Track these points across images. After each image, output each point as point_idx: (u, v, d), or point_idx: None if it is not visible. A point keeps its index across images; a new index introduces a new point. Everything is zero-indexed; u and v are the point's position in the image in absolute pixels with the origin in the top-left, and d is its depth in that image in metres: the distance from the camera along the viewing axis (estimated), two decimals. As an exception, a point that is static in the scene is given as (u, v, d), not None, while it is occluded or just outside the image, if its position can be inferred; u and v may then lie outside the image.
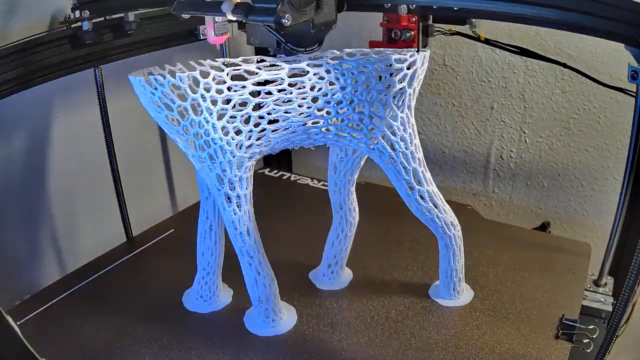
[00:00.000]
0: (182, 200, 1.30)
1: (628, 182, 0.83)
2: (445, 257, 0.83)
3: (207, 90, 0.65)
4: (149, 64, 0.73)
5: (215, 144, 0.67)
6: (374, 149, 0.74)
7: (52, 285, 0.90)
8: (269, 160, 1.42)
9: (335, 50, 0.73)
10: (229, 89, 0.65)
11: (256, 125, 0.69)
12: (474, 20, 1.04)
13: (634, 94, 0.79)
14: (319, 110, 0.70)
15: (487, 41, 1.14)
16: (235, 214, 0.71)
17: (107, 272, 0.93)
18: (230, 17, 0.58)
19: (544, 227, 1.27)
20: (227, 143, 0.67)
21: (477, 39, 1.13)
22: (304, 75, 0.68)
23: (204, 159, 0.69)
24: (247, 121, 0.68)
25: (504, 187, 1.35)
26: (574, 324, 0.78)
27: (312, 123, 0.72)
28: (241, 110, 0.67)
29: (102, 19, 0.92)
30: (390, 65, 0.70)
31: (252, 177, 0.72)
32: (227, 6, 0.57)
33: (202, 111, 0.66)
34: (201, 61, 0.68)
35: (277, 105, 0.68)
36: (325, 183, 1.10)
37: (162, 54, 1.05)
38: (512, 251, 0.98)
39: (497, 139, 1.32)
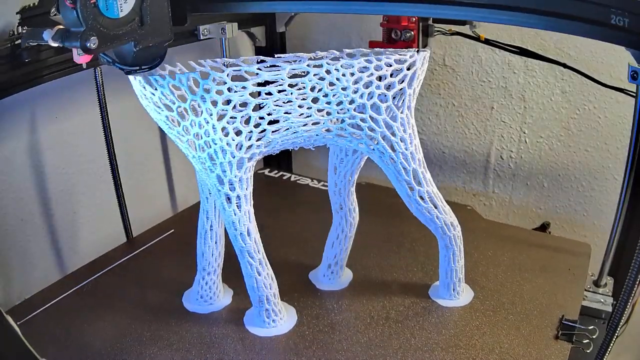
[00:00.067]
0: (182, 201, 1.30)
1: (628, 182, 0.83)
2: (445, 257, 0.83)
3: (207, 91, 0.65)
4: (149, 64, 0.73)
5: (216, 144, 0.67)
6: (374, 149, 0.74)
7: (52, 286, 0.90)
8: (269, 161, 1.43)
9: (335, 51, 0.73)
10: (229, 89, 0.65)
11: (256, 125, 0.69)
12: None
13: (634, 94, 0.79)
14: (319, 110, 0.70)
15: (487, 41, 1.14)
16: (235, 214, 0.71)
17: (107, 273, 0.93)
18: (52, 43, 0.57)
19: (543, 227, 1.27)
20: (227, 144, 0.67)
21: (477, 39, 1.13)
22: (304, 75, 0.68)
23: (204, 159, 0.69)
24: (247, 122, 0.68)
25: (504, 187, 1.35)
26: (573, 324, 0.78)
27: (313, 124, 0.72)
28: (241, 111, 0.67)
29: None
30: (390, 65, 0.70)
31: (252, 177, 0.72)
32: (47, 34, 0.57)
33: (202, 112, 0.66)
34: (201, 61, 0.68)
35: (277, 105, 0.68)
36: (326, 183, 1.10)
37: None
38: (512, 252, 0.98)
39: (497, 139, 1.32)
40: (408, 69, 0.72)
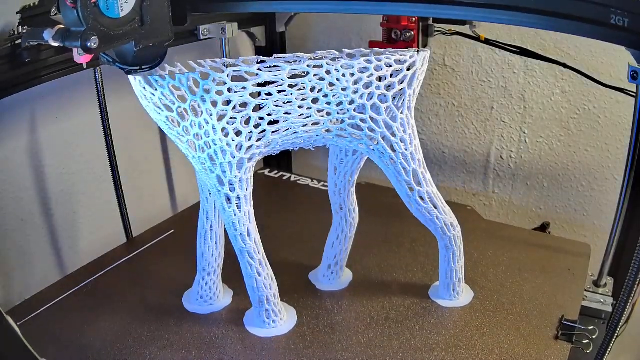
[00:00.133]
0: (182, 201, 1.30)
1: (628, 182, 0.83)
2: (445, 258, 0.83)
3: (207, 91, 0.65)
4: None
5: (216, 145, 0.67)
6: (374, 150, 0.74)
7: (52, 286, 0.90)
8: (269, 161, 1.42)
9: (335, 51, 0.73)
10: (229, 90, 0.65)
11: (256, 126, 0.68)
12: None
13: (634, 94, 0.79)
14: (319, 111, 0.70)
15: (487, 41, 1.14)
16: (235, 214, 0.71)
17: (107, 273, 0.93)
18: (52, 43, 0.58)
19: (543, 227, 1.27)
20: (227, 144, 0.67)
21: (477, 39, 1.13)
22: (304, 76, 0.68)
23: (204, 160, 0.69)
24: (247, 122, 0.68)
25: (504, 187, 1.35)
26: (573, 324, 0.78)
27: (313, 124, 0.72)
28: (241, 112, 0.67)
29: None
30: (390, 66, 0.70)
31: (252, 177, 0.72)
32: (47, 34, 0.58)
33: (202, 112, 0.66)
34: (201, 62, 0.68)
35: (277, 106, 0.68)
36: (326, 184, 1.10)
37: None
38: (512, 252, 0.98)
39: (497, 139, 1.32)
40: (408, 69, 0.72)
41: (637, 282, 0.66)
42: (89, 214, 1.08)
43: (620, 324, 0.69)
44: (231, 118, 0.67)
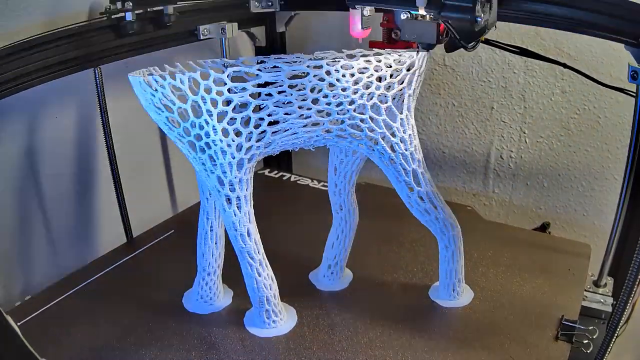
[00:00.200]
0: (182, 201, 1.30)
1: (628, 182, 0.83)
2: (445, 258, 0.83)
3: (208, 91, 0.65)
4: (149, 64, 0.73)
5: (216, 145, 0.67)
6: (374, 150, 0.74)
7: (52, 286, 0.90)
8: (269, 161, 1.42)
9: (335, 51, 0.73)
10: (229, 90, 0.65)
11: (256, 126, 0.68)
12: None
13: (634, 94, 0.79)
14: (319, 111, 0.70)
15: (487, 41, 1.14)
16: (235, 215, 0.71)
17: (108, 273, 0.93)
18: (422, 12, 0.58)
19: (543, 227, 1.27)
20: (227, 145, 0.67)
21: (477, 39, 1.13)
22: (304, 76, 0.68)
23: (204, 160, 0.69)
24: (247, 123, 0.68)
25: (504, 187, 1.35)
26: (573, 324, 0.78)
27: (313, 124, 0.72)
28: (241, 112, 0.67)
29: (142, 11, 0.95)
30: (390, 66, 0.70)
31: (252, 178, 0.72)
32: (421, 1, 0.58)
33: (202, 113, 0.66)
34: (201, 62, 0.68)
35: (277, 106, 0.68)
36: (325, 184, 1.10)
37: (162, 54, 1.05)
38: (511, 252, 0.98)
39: (497, 139, 1.32)
40: (408, 69, 0.72)
41: (637, 282, 0.66)
42: (89, 214, 1.08)
43: (620, 324, 0.69)
44: (231, 119, 0.67)
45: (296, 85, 0.68)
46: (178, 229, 1.07)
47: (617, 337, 0.70)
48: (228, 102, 0.66)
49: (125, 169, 1.07)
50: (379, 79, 0.71)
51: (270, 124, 0.69)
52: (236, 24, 1.13)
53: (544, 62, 1.14)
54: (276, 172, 1.34)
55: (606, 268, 0.91)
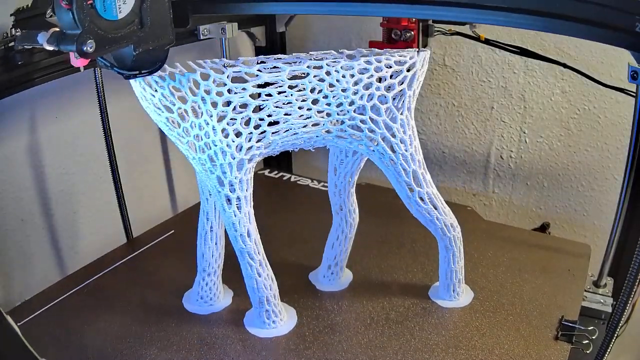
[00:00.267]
0: (182, 201, 1.30)
1: (628, 182, 0.83)
2: (445, 258, 0.83)
3: (208, 92, 0.65)
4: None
5: (216, 146, 0.67)
6: (374, 150, 0.74)
7: (52, 286, 0.90)
8: (269, 161, 1.42)
9: (335, 52, 0.73)
10: (229, 91, 0.65)
11: (256, 127, 0.68)
12: (474, 20, 1.04)
13: (634, 94, 0.79)
14: (319, 112, 0.70)
15: (487, 41, 1.14)
16: (235, 215, 0.71)
17: (108, 273, 0.93)
18: (47, 46, 0.55)
19: (543, 227, 1.27)
20: (227, 145, 0.67)
21: (477, 39, 1.13)
22: (305, 77, 0.68)
23: (204, 161, 0.69)
24: (247, 123, 0.68)
25: (504, 187, 1.35)
26: (573, 325, 0.78)
27: (313, 125, 0.72)
28: (241, 113, 0.67)
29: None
30: (390, 67, 0.70)
31: (252, 178, 0.72)
32: (42, 37, 0.55)
33: (202, 113, 0.66)
34: (201, 62, 0.68)
35: (277, 107, 0.68)
36: (326, 184, 1.10)
37: (162, 54, 1.05)
38: (511, 252, 0.98)
39: (497, 139, 1.32)
40: (408, 70, 0.72)
41: (637, 282, 0.66)
42: (89, 214, 1.08)
43: (620, 324, 0.69)
44: (231, 119, 0.67)
45: (296, 85, 0.68)
46: (178, 229, 1.07)
47: (617, 337, 0.70)
48: (228, 103, 0.66)
49: (125, 169, 1.07)
50: (379, 80, 0.71)
51: (270, 124, 0.69)
52: (236, 24, 1.13)
53: (544, 62, 1.15)
54: (276, 172, 1.34)
55: (606, 268, 0.91)
